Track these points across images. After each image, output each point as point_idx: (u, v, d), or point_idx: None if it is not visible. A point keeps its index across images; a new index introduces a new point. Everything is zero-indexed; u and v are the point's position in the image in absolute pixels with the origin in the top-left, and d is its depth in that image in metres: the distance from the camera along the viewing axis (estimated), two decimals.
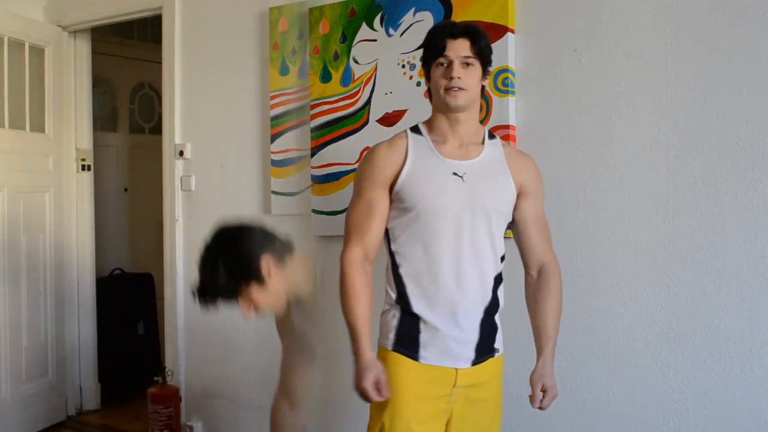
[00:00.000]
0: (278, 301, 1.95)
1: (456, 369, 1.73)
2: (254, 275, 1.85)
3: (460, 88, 1.68)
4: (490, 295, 1.75)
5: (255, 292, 1.86)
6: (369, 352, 1.71)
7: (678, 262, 2.19)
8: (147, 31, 4.83)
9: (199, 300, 1.88)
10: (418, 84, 2.58)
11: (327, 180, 2.83)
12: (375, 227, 1.75)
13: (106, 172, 4.62)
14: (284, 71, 3.02)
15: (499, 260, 1.79)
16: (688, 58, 2.17)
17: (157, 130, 4.58)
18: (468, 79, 1.70)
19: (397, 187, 1.73)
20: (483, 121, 2.36)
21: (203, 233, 3.39)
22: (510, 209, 1.78)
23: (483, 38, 1.73)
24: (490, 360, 1.78)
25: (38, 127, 3.70)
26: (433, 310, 1.71)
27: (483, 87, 1.78)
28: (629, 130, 2.26)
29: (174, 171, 3.45)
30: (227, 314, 3.33)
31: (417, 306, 1.72)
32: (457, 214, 1.70)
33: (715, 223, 2.13)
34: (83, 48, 3.96)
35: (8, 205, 3.48)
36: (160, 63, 3.53)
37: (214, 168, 3.35)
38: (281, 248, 1.94)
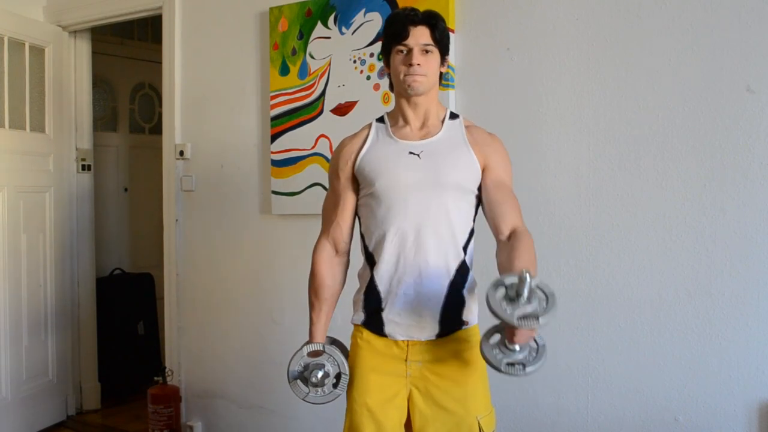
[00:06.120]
0: None
1: (408, 341, 1.75)
2: None
3: (419, 75, 1.73)
4: (454, 269, 1.75)
5: None
6: (317, 339, 1.81)
7: (596, 238, 2.43)
8: (147, 31, 4.83)
9: None
10: (368, 78, 2.82)
11: (285, 164, 3.06)
12: (341, 219, 1.84)
13: (106, 172, 4.63)
14: (284, 71, 3.04)
15: (465, 235, 1.77)
16: (607, 57, 2.40)
17: (157, 130, 4.59)
18: (427, 65, 1.74)
19: (356, 173, 1.81)
20: None
21: (203, 233, 3.43)
22: (474, 186, 1.78)
23: (443, 26, 1.77)
24: (457, 333, 1.77)
25: (38, 127, 3.70)
26: (395, 286, 1.74)
27: (441, 74, 1.81)
28: (555, 121, 2.49)
29: (174, 171, 3.45)
30: (227, 313, 3.35)
31: (380, 282, 1.76)
32: (414, 190, 1.72)
33: (629, 204, 2.37)
34: (83, 48, 3.96)
35: (8, 205, 3.48)
36: (160, 63, 3.53)
37: (214, 168, 3.35)
38: None
